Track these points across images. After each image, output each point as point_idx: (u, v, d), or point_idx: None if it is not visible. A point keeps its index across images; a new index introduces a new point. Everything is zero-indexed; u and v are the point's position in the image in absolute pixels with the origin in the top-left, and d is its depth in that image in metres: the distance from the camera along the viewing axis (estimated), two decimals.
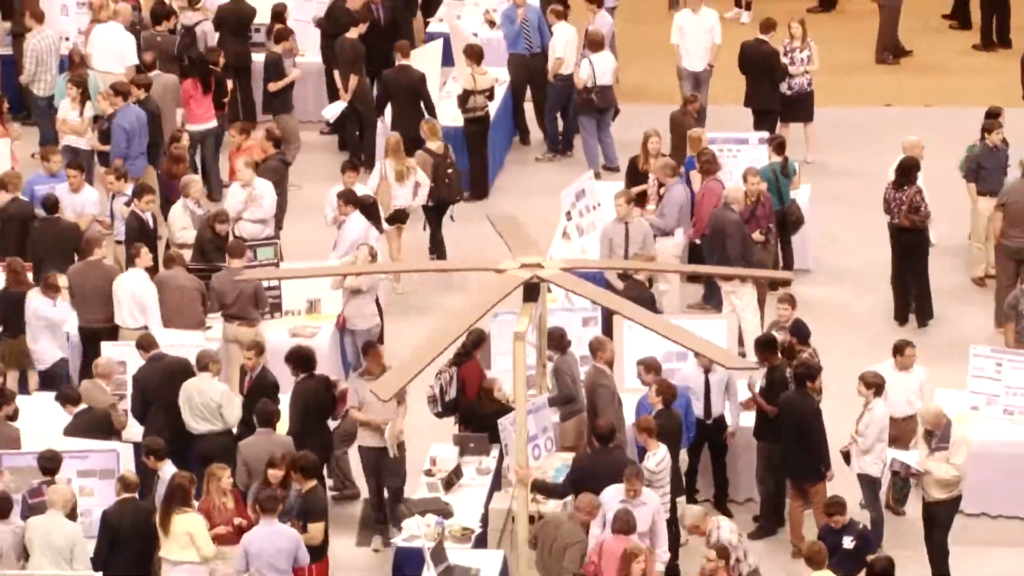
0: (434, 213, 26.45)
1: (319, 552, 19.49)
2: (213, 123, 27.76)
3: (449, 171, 26.26)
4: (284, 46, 28.62)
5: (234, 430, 21.20)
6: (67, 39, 29.21)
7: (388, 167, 26.07)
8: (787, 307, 22.23)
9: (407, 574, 19.57)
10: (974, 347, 22.29)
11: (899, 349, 21.25)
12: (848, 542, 19.07)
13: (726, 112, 27.99)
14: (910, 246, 24.80)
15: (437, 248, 26.13)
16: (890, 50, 31.48)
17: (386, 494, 20.72)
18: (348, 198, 24.37)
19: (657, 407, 20.51)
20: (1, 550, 18.98)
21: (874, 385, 20.64)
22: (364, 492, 21.38)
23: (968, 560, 20.40)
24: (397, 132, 26.80)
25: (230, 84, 28.61)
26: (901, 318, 25.02)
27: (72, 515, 19.25)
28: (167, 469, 20.01)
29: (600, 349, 21.41)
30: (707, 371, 21.46)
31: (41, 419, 21.32)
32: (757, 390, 21.33)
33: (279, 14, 29.13)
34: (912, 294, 25.01)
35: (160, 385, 21.46)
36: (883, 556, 18.27)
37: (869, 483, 20.44)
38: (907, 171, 24.71)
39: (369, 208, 24.46)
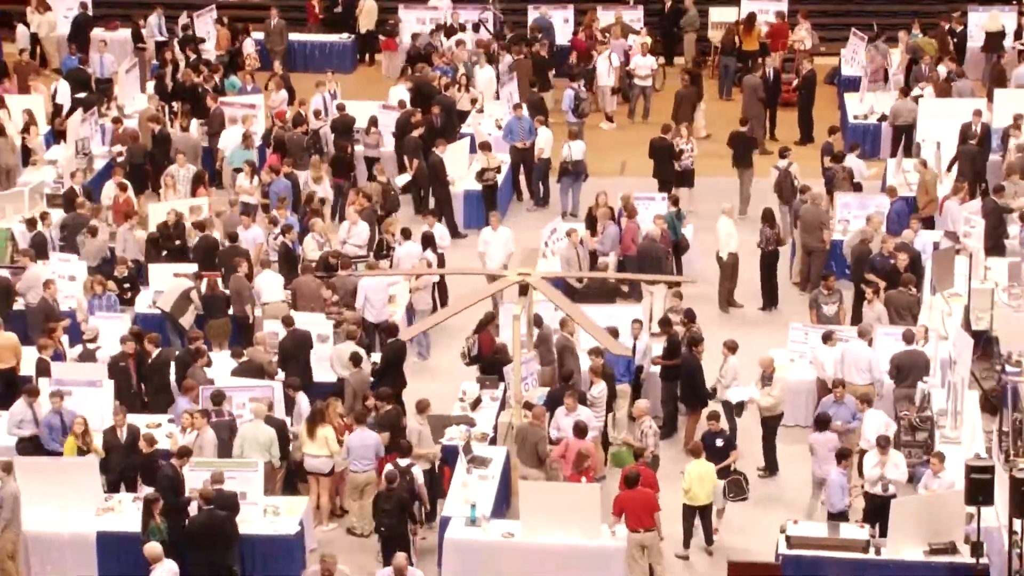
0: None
1: (391, 449, 19.43)
2: None
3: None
4: (375, 139, 28.78)
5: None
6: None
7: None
8: (677, 299, 22.34)
9: (448, 461, 19.62)
10: (792, 324, 22.41)
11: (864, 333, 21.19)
12: (718, 442, 19.29)
13: (643, 181, 27.74)
14: (772, 261, 24.76)
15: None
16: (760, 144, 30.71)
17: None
18: (404, 234, 24.44)
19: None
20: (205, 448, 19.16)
21: (730, 347, 20.84)
22: None
23: (787, 454, 20.47)
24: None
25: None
26: (767, 304, 24.79)
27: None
28: (301, 397, 20.17)
29: (565, 324, 21.46)
30: (635, 338, 21.55)
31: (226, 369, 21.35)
32: (660, 352, 21.41)
33: (375, 121, 28.91)
34: (769, 294, 24.89)
35: (293, 348, 21.41)
36: (633, 467, 18.35)
37: (727, 407, 20.52)
38: (770, 217, 24.77)
39: (427, 239, 24.37)
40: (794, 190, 26.12)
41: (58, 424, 19.53)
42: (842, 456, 18.66)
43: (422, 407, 19.48)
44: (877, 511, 18.32)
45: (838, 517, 18.37)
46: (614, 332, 21.10)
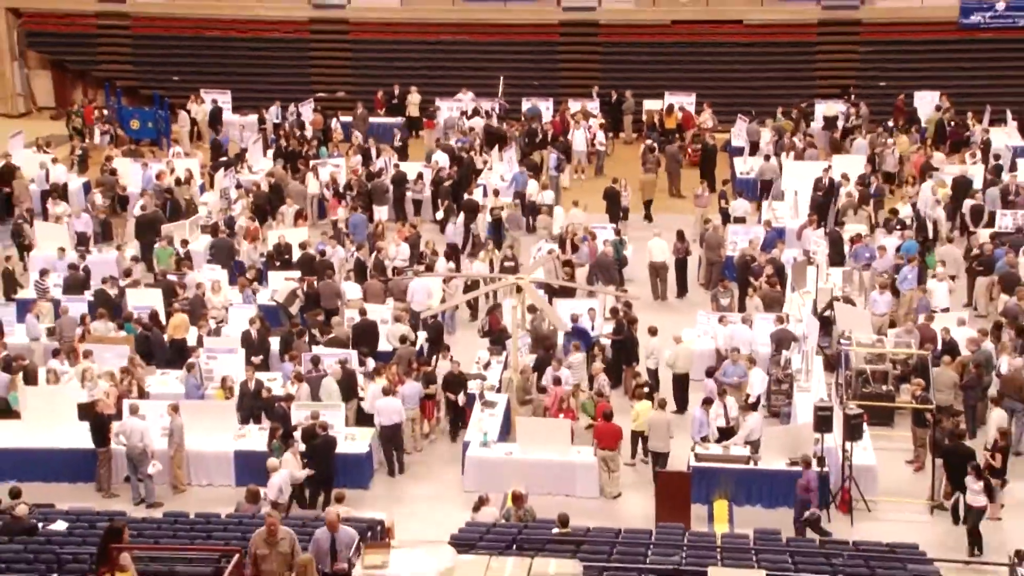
0: None
1: (430, 397, 19.43)
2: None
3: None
4: (420, 187, 28.68)
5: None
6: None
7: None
8: (620, 301, 22.10)
9: (469, 404, 19.49)
10: (699, 312, 22.35)
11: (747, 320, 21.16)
12: (648, 391, 19.13)
13: (598, 216, 27.38)
14: (683, 264, 24.64)
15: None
16: (677, 191, 30.51)
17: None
18: (435, 252, 24.34)
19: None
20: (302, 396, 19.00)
21: (651, 331, 20.66)
22: None
23: (694, 399, 19.88)
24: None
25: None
26: (680, 293, 24.66)
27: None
28: (370, 360, 20.03)
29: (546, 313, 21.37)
30: (592, 320, 21.38)
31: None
32: (610, 330, 21.21)
33: (420, 176, 28.82)
34: (681, 286, 24.75)
35: (361, 331, 21.19)
36: (607, 409, 18.26)
37: (654, 372, 20.41)
38: (682, 235, 24.72)
39: (456, 252, 24.14)
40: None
41: (193, 384, 19.43)
42: (706, 402, 18.45)
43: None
44: (725, 434, 18.34)
45: (703, 441, 18.23)
46: (574, 318, 21.08)
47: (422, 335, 21.66)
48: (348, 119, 33.91)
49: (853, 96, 33.92)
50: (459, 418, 19.54)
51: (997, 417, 17.94)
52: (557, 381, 19.16)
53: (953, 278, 23.24)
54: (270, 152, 31.55)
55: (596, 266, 24.01)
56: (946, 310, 21.83)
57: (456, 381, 19.43)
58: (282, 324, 22.27)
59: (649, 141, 30.95)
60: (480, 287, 22.47)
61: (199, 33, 36.67)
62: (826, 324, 21.29)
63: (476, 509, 16.30)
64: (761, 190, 28.57)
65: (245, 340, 20.83)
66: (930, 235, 25.42)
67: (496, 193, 27.81)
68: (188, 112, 34.56)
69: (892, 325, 21.49)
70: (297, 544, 12.99)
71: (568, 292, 23.27)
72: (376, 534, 14.86)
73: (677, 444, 18.66)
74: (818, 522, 16.40)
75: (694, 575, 12.60)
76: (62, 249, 24.55)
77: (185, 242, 24.88)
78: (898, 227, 25.13)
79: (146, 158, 30.54)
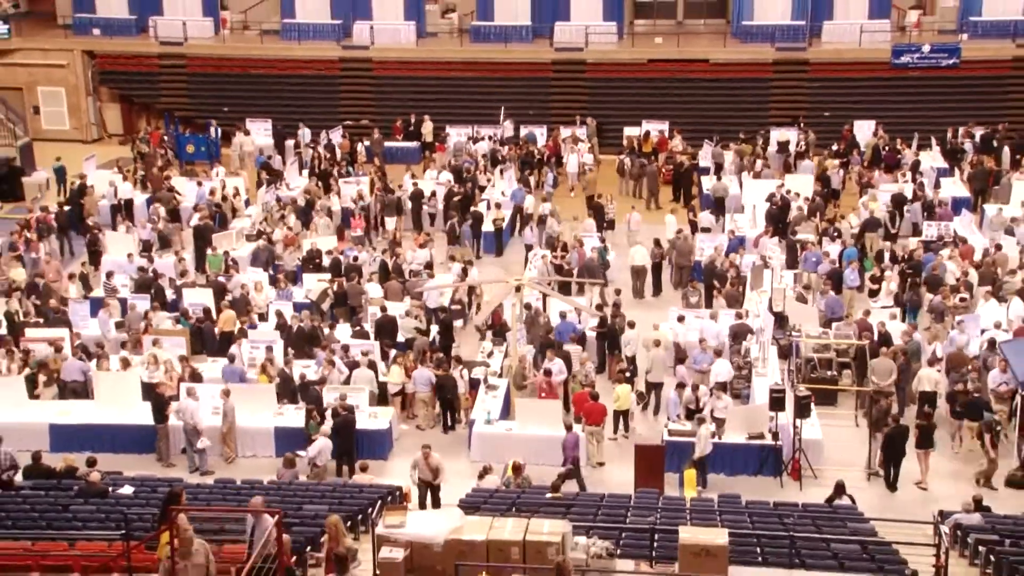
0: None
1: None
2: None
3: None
4: (433, 202, 28.46)
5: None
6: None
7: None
8: (617, 295, 22.08)
9: (474, 388, 19.38)
10: (671, 308, 22.24)
11: (713, 315, 21.10)
12: (627, 375, 19.05)
13: (586, 225, 27.29)
14: (659, 267, 24.51)
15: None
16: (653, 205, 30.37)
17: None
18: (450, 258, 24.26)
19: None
20: (333, 380, 18.91)
21: (630, 325, 20.52)
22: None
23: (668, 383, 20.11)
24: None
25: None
26: (655, 294, 24.49)
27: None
28: (391, 351, 19.91)
29: (540, 309, 21.27)
30: (579, 315, 21.29)
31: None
32: (596, 323, 21.10)
33: (434, 193, 28.64)
34: (656, 286, 24.60)
35: (383, 325, 21.03)
36: (591, 391, 18.15)
37: (632, 359, 20.23)
38: (659, 243, 24.59)
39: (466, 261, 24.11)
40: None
41: (232, 371, 19.33)
42: (680, 386, 18.37)
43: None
44: (690, 414, 18.25)
45: (676, 419, 18.17)
46: (563, 314, 20.99)
47: (434, 328, 21.58)
48: (367, 143, 33.88)
49: (803, 124, 33.94)
50: (451, 412, 19.23)
51: (927, 376, 18.40)
52: (548, 372, 19.04)
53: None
54: (305, 172, 31.44)
55: (584, 269, 23.94)
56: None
57: (451, 384, 19.12)
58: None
59: (623, 157, 31.03)
60: (490, 287, 22.42)
61: (246, 71, 36.70)
62: (780, 319, 21.32)
63: (481, 477, 16.28)
64: (715, 205, 28.63)
65: (285, 331, 20.78)
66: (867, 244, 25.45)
67: (498, 206, 27.70)
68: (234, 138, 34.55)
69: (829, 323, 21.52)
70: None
71: (561, 291, 23.23)
72: (396, 499, 14.87)
73: (654, 419, 18.56)
74: (569, 475, 16.11)
75: (667, 533, 12.61)
76: (130, 255, 24.61)
77: (227, 253, 24.81)
78: (836, 235, 25.16)
79: (199, 177, 30.52)
